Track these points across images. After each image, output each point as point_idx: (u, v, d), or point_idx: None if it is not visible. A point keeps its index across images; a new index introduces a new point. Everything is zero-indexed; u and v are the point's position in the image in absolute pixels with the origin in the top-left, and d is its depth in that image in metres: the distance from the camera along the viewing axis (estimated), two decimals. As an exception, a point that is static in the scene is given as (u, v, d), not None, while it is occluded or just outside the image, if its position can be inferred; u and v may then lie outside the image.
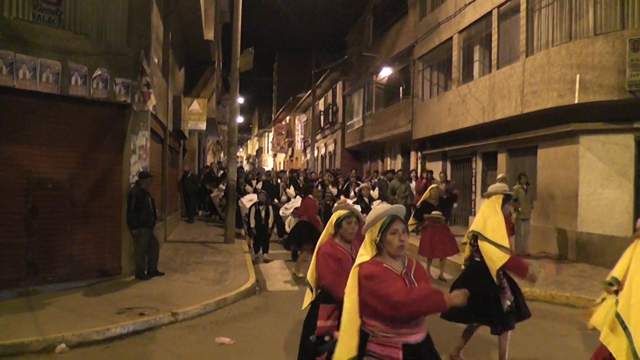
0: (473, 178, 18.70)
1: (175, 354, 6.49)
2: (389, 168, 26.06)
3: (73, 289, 9.00)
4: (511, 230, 11.21)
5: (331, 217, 4.75)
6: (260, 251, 13.14)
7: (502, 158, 16.63)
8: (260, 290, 9.98)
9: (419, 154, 23.10)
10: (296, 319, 7.88)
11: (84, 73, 9.23)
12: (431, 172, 18.98)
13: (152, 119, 11.04)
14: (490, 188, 6.24)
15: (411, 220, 11.08)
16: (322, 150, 40.14)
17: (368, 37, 29.69)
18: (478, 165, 18.40)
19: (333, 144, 36.23)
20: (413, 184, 18.54)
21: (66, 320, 7.22)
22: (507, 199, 6.14)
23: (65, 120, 9.25)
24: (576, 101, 12.44)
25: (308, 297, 4.83)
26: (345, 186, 18.06)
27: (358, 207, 5.16)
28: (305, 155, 42.25)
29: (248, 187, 17.72)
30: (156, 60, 12.40)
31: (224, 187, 17.41)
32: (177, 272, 10.72)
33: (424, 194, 11.33)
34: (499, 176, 13.45)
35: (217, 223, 19.52)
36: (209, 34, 18.75)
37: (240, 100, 27.04)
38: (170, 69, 15.04)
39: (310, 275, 4.76)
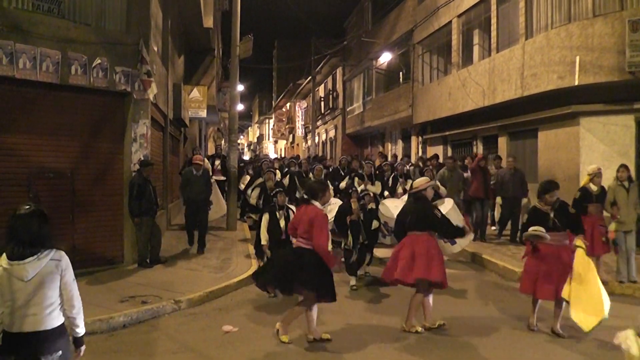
0: (474, 162, 18.67)
1: (179, 342, 6.52)
2: (389, 153, 26.04)
3: (76, 278, 9.01)
4: (605, 245, 9.00)
5: None
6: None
7: (502, 141, 16.62)
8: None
9: (420, 138, 23.08)
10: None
11: (84, 62, 9.23)
12: (486, 157, 14.20)
13: (152, 107, 11.04)
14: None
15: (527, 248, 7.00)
16: (323, 137, 40.07)
17: (367, 23, 29.56)
18: (479, 148, 18.37)
19: (334, 130, 36.16)
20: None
21: (70, 308, 7.23)
22: None
23: (65, 109, 9.27)
24: (576, 83, 12.43)
25: None
26: (390, 179, 13.49)
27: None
28: (306, 142, 42.20)
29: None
30: (156, 49, 12.37)
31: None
32: (179, 259, 10.77)
33: None
34: (593, 167, 9.46)
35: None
36: (208, 22, 18.68)
37: (240, 87, 26.97)
38: (170, 56, 15.00)
39: None
